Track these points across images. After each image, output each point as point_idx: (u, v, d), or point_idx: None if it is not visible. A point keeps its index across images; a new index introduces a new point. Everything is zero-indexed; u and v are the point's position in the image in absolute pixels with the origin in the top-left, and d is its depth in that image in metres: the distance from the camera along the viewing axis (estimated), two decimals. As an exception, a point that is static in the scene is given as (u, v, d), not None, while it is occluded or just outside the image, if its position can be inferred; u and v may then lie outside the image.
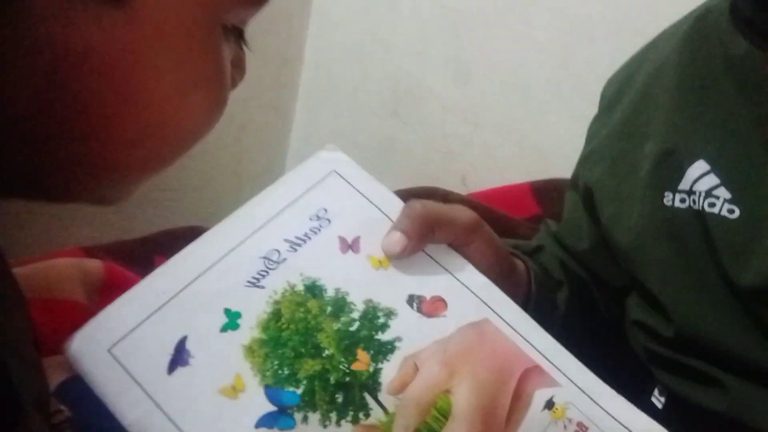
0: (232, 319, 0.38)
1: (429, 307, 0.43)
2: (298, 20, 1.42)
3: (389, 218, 0.44)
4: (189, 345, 0.36)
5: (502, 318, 0.43)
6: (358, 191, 0.45)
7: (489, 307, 0.43)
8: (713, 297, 0.49)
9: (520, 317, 0.44)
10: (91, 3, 0.24)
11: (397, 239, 0.43)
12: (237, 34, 0.33)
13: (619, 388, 0.43)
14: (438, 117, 1.21)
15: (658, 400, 0.54)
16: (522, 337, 0.42)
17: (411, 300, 0.42)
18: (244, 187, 1.34)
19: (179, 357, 0.36)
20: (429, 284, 0.43)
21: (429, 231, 0.44)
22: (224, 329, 0.38)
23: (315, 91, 1.44)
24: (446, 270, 0.44)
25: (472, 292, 0.43)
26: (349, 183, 0.45)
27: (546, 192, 0.85)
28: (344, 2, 1.38)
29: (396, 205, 0.45)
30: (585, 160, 0.62)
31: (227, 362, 0.37)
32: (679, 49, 0.55)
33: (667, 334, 0.52)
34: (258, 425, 0.35)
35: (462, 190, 1.02)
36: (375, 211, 0.45)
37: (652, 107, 0.55)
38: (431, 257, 0.44)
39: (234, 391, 0.36)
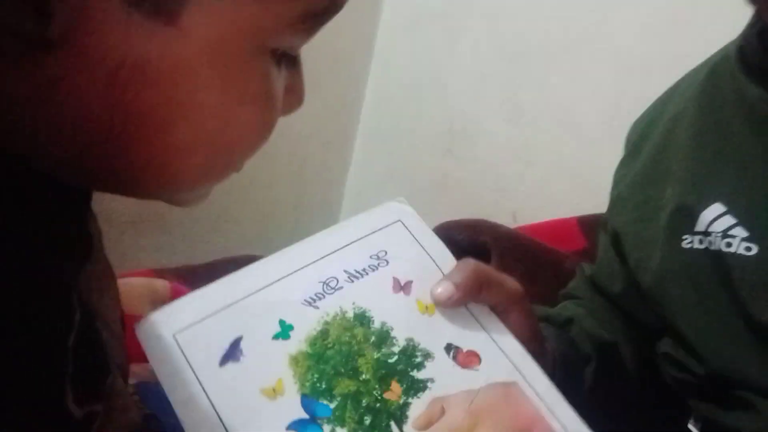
0: (285, 330, 0.42)
1: (464, 358, 0.45)
2: (360, 61, 1.49)
3: (441, 270, 0.48)
4: (243, 344, 0.41)
5: (530, 385, 0.45)
6: (418, 241, 0.49)
7: (520, 372, 0.45)
8: (737, 334, 0.49)
9: (548, 388, 0.45)
10: (146, 20, 0.27)
11: (446, 288, 0.46)
12: (290, 61, 0.35)
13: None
14: (491, 155, 1.24)
15: (694, 427, 0.54)
16: (547, 407, 0.44)
17: (448, 348, 0.45)
18: (302, 220, 1.40)
19: (232, 353, 0.40)
20: (467, 338, 0.46)
21: (476, 288, 0.46)
22: (276, 337, 0.42)
23: (373, 130, 1.50)
24: (485, 329, 0.47)
25: (506, 355, 0.46)
26: (410, 233, 0.49)
27: (593, 226, 0.86)
28: (405, 44, 1.44)
29: (449, 261, 0.49)
30: (612, 205, 0.64)
31: (273, 366, 0.41)
32: (698, 95, 0.56)
33: (697, 369, 0.53)
34: (289, 427, 0.39)
35: (512, 226, 1.03)
36: (430, 262, 0.49)
37: (673, 153, 0.57)
38: (473, 315, 0.47)
39: (274, 392, 0.40)
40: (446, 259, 0.49)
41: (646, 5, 1.03)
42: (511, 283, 0.49)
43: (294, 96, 0.36)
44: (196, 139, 0.30)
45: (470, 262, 0.47)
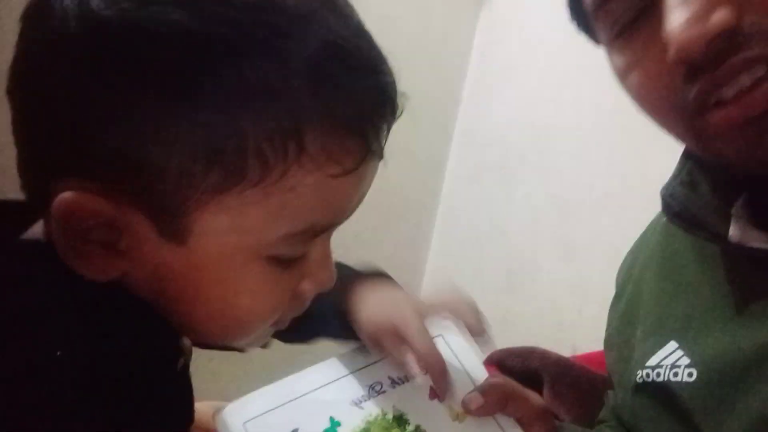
0: (333, 426, 0.50)
1: None
2: (426, 209, 1.63)
3: (474, 383, 0.53)
4: None
5: None
6: (455, 355, 0.55)
7: None
8: None
9: None
10: (168, 242, 0.37)
11: (475, 398, 0.51)
12: (298, 260, 0.41)
13: None
14: (549, 291, 1.31)
15: None
16: None
17: None
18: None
19: None
20: None
21: (503, 400, 0.51)
22: (325, 431, 0.50)
23: (439, 271, 1.60)
24: None
25: None
26: (449, 347, 0.55)
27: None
28: (466, 194, 1.58)
29: (482, 374, 0.54)
30: (604, 345, 0.66)
31: None
32: (660, 239, 0.58)
33: None
34: None
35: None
36: (464, 375, 0.54)
37: (643, 296, 0.58)
38: (500, 425, 0.52)
39: None
40: (479, 372, 0.54)
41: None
42: (536, 399, 0.53)
43: (319, 282, 0.43)
44: (209, 315, 0.40)
45: (499, 378, 0.52)
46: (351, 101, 0.37)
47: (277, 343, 0.55)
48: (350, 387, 0.52)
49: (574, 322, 1.26)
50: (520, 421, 0.52)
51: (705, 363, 0.48)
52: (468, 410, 0.51)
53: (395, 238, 1.55)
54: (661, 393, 0.51)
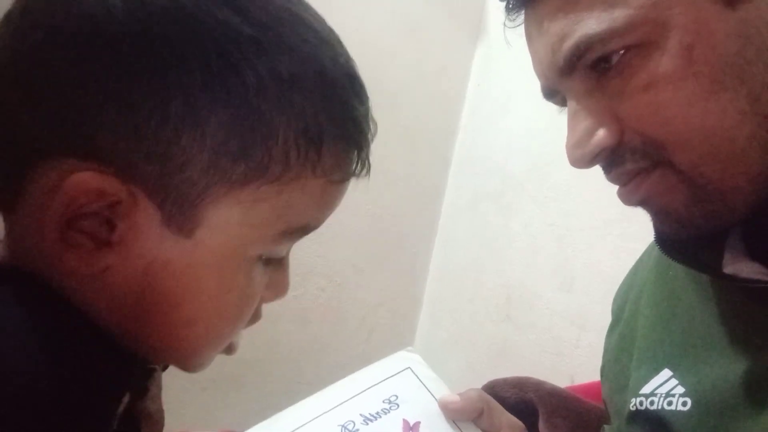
0: None
1: None
2: (425, 238, 1.64)
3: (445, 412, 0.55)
4: None
5: None
6: (425, 387, 0.56)
7: None
8: None
9: None
10: (173, 234, 0.36)
11: (453, 398, 0.53)
12: (277, 261, 0.42)
13: None
14: (547, 321, 1.31)
15: None
16: None
17: None
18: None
19: None
20: None
21: (479, 408, 0.53)
22: None
23: (438, 299, 1.60)
24: None
25: None
26: (418, 378, 0.56)
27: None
28: (464, 223, 1.58)
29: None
30: (600, 373, 0.66)
31: None
32: (656, 266, 0.59)
33: None
34: None
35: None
36: (435, 405, 0.55)
37: (639, 324, 0.59)
38: None
39: None
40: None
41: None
42: (510, 416, 0.55)
43: (279, 289, 0.44)
44: (197, 314, 0.39)
45: (476, 389, 0.54)
46: (355, 119, 0.41)
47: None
48: (323, 428, 0.52)
49: (572, 352, 1.25)
50: None
51: (699, 393, 0.49)
52: (446, 409, 0.53)
53: (393, 266, 1.56)
54: (654, 422, 0.52)
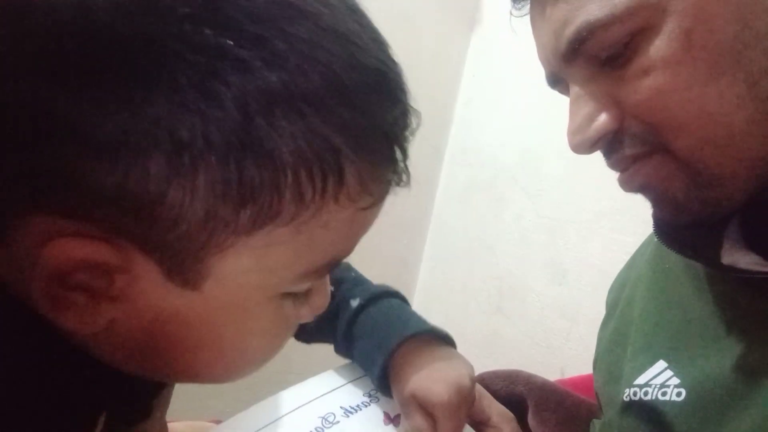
0: None
1: None
2: (418, 228, 1.63)
3: None
4: None
5: None
6: None
7: None
8: None
9: None
10: (178, 287, 0.32)
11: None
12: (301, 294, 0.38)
13: None
14: (538, 313, 1.31)
15: None
16: None
17: None
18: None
19: None
20: None
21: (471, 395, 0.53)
22: None
23: (429, 290, 1.60)
24: None
25: None
26: None
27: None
28: (457, 214, 1.58)
29: None
30: (593, 366, 0.66)
31: None
32: (651, 258, 0.59)
33: None
34: None
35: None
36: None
37: (634, 315, 0.59)
38: None
39: None
40: None
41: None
42: (499, 405, 0.55)
43: (315, 308, 0.40)
44: (214, 360, 0.36)
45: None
46: (382, 128, 0.34)
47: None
48: (303, 419, 0.51)
49: (563, 344, 1.26)
50: (487, 423, 0.54)
51: (694, 383, 0.48)
52: None
53: (386, 257, 1.55)
54: (648, 412, 0.51)
